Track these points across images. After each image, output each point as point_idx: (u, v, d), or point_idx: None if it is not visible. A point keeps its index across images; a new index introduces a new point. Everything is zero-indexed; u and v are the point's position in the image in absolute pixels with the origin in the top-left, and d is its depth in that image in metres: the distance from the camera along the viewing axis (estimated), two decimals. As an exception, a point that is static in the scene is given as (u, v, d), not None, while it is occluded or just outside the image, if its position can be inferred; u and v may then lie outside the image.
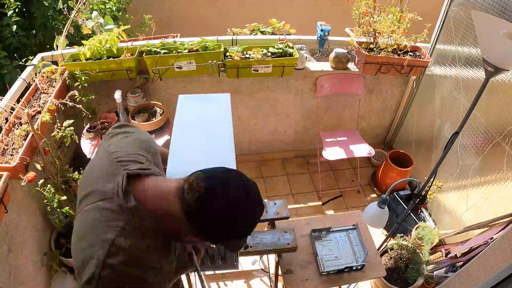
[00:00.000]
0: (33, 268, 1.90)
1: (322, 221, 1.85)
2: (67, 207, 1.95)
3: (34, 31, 2.79)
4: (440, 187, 2.34)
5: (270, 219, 1.58)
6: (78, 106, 1.97)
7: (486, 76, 1.34)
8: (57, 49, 2.30)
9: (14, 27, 2.59)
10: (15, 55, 2.30)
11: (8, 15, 2.57)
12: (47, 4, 2.72)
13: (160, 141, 2.17)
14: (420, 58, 2.51)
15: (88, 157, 2.09)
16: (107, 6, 3.07)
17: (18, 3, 2.61)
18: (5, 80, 2.49)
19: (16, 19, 2.59)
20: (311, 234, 1.74)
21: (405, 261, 2.07)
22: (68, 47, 2.39)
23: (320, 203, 2.81)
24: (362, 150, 2.67)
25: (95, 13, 2.22)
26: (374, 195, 2.91)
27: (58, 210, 1.90)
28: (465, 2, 2.13)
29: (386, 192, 1.59)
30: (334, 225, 1.80)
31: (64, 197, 1.86)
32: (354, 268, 1.64)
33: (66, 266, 2.08)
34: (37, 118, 1.87)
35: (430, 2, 2.58)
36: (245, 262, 2.36)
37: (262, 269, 2.32)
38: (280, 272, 1.65)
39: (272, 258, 2.20)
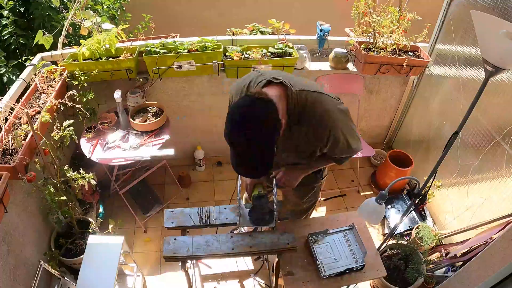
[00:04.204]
0: (33, 268, 1.89)
1: (320, 222, 1.84)
2: (67, 207, 1.94)
3: (32, 31, 2.78)
4: (439, 187, 2.35)
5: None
6: (77, 106, 1.97)
7: (486, 76, 1.34)
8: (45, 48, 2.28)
9: (12, 27, 2.59)
10: (17, 52, 2.29)
11: (5, 15, 2.57)
12: (43, 2, 2.71)
13: (159, 141, 2.17)
14: (419, 58, 2.51)
15: (87, 157, 2.09)
16: (104, 6, 3.06)
17: (13, 3, 2.60)
18: (3, 80, 2.48)
19: (13, 19, 2.58)
20: (309, 238, 1.72)
21: (405, 261, 2.07)
22: (67, 47, 2.39)
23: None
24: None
25: (90, 13, 2.20)
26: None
27: (58, 210, 1.90)
28: (465, 2, 2.13)
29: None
30: (332, 226, 1.79)
31: (64, 197, 1.85)
32: (355, 269, 1.63)
33: (66, 266, 2.07)
34: (37, 118, 1.87)
35: (430, 2, 2.58)
36: (245, 262, 2.36)
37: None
38: (280, 274, 1.65)
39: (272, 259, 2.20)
